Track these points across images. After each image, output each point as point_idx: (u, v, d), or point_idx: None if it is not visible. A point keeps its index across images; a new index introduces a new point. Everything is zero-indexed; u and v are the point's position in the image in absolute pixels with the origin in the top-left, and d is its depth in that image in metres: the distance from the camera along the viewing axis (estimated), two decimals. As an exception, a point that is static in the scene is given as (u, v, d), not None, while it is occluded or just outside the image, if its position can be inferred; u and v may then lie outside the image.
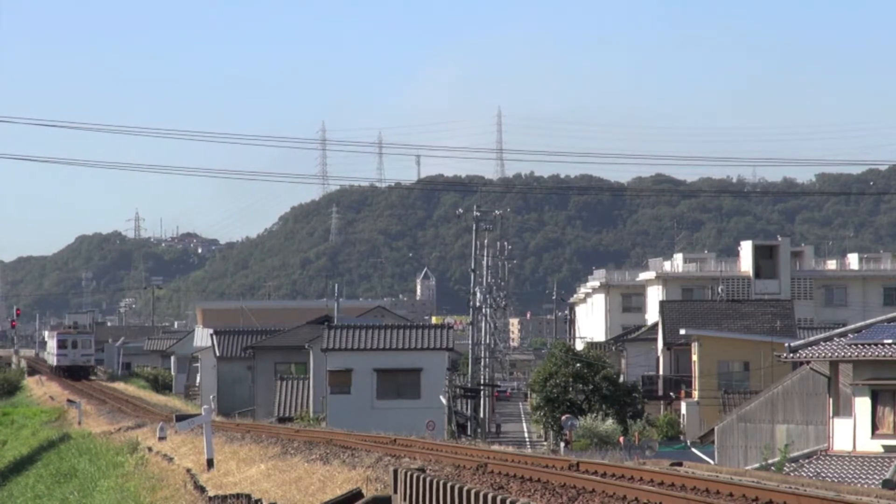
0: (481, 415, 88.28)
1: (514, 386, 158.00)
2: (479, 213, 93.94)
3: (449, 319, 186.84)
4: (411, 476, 22.43)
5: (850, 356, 47.57)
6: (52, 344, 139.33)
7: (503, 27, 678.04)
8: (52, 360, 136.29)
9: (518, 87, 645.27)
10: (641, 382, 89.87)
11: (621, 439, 70.92)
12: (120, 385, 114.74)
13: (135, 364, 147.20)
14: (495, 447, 36.25)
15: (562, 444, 71.81)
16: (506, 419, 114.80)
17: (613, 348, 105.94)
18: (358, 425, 54.46)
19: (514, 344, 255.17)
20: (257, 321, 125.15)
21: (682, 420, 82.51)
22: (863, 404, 47.38)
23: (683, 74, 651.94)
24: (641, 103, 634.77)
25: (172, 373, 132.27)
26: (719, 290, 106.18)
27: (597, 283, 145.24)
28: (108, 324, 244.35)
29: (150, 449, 48.41)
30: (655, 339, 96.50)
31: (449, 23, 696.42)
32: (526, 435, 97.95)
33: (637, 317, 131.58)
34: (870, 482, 43.27)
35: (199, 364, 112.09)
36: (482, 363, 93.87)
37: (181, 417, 50.99)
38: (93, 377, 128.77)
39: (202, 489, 34.14)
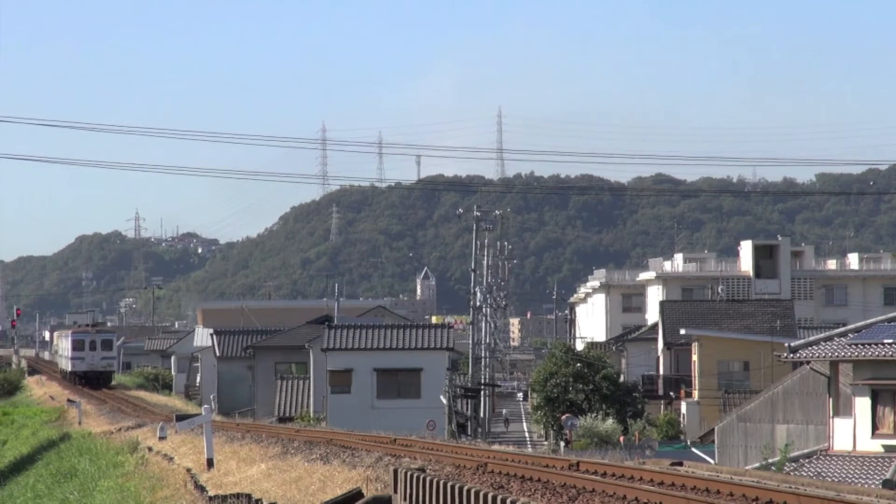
0: (481, 414, 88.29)
1: (514, 386, 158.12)
2: (479, 213, 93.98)
3: (449, 319, 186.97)
4: (411, 476, 22.43)
5: (850, 356, 47.57)
6: (64, 345, 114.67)
7: (503, 27, 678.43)
8: (66, 365, 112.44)
9: (518, 88, 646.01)
10: (641, 382, 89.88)
11: (621, 439, 71.00)
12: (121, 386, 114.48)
13: (135, 364, 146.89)
14: (495, 447, 36.24)
15: (562, 444, 71.80)
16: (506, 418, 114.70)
17: (614, 348, 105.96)
18: (358, 425, 54.48)
19: (515, 344, 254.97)
20: (257, 321, 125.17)
21: (682, 420, 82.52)
22: (863, 404, 47.38)
23: (683, 74, 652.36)
24: (641, 103, 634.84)
25: (172, 373, 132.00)
26: (719, 290, 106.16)
27: (597, 283, 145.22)
28: (109, 324, 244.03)
29: (150, 449, 48.39)
30: (655, 339, 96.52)
31: (449, 23, 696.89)
32: (526, 435, 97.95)
33: (637, 317, 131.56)
34: (870, 482, 43.28)
35: (199, 364, 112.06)
36: (482, 363, 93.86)
37: (181, 417, 51.04)
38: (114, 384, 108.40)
39: (202, 489, 34.13)
